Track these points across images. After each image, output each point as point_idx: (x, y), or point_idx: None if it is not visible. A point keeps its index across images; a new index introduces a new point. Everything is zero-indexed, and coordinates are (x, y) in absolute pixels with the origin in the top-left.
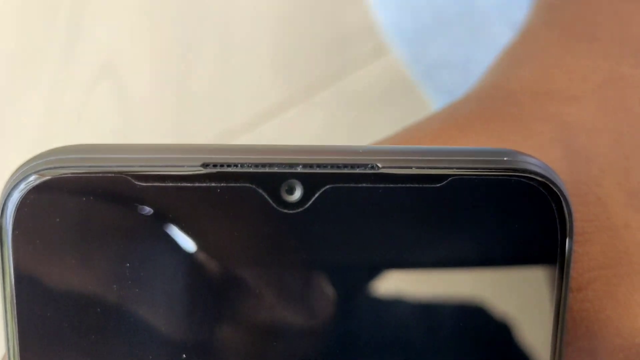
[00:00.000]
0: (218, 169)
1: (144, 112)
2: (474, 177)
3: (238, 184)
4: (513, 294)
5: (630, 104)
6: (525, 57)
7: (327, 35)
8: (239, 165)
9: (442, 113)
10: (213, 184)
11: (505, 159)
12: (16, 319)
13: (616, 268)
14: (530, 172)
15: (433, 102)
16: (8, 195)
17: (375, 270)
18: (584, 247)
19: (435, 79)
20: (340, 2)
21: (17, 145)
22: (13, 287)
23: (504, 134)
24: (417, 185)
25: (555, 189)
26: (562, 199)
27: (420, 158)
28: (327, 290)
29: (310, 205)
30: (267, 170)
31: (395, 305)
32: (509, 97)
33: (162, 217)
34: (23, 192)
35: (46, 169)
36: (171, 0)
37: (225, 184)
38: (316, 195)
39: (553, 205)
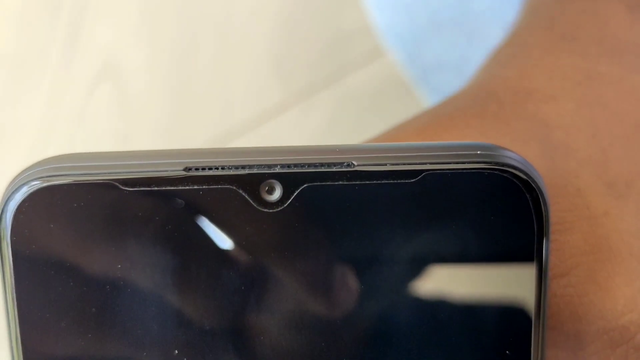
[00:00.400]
0: (200, 172)
1: (143, 113)
2: (448, 171)
3: (219, 186)
4: (492, 284)
5: (606, 101)
6: (508, 58)
7: (325, 37)
8: (220, 167)
9: (427, 112)
10: (195, 187)
11: (478, 152)
12: (17, 321)
13: (597, 254)
14: (504, 164)
15: (428, 103)
16: (5, 203)
17: (354, 265)
18: (565, 235)
19: (431, 80)
20: (337, 4)
21: (18, 147)
22: (13, 288)
23: (484, 130)
24: (392, 182)
25: (529, 179)
26: (536, 188)
27: (395, 155)
28: (310, 285)
29: (289, 204)
30: (246, 171)
31: (375, 300)
32: (491, 96)
33: (148, 220)
34: (18, 200)
35: (39, 177)
36: (171, 2)
37: (207, 186)
38: (295, 194)
39: (528, 195)
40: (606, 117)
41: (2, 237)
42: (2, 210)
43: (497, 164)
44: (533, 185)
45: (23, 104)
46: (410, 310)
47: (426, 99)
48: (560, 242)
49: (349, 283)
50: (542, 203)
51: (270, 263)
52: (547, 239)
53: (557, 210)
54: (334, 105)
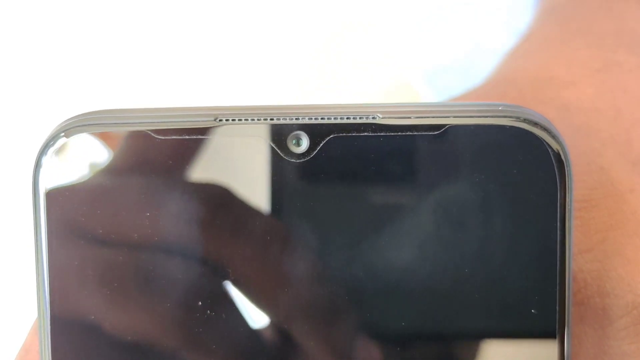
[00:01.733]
0: (230, 123)
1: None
2: (471, 124)
3: (248, 136)
4: (514, 237)
5: (627, 86)
6: (527, 53)
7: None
8: (249, 119)
9: (447, 103)
10: (225, 136)
11: (500, 108)
12: (48, 269)
13: (624, 229)
14: (525, 119)
15: None
16: (42, 152)
17: (376, 214)
18: (590, 212)
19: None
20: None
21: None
22: (45, 237)
23: None
24: (415, 134)
25: (551, 134)
26: (558, 143)
27: (418, 109)
28: (332, 235)
29: (315, 154)
30: (274, 122)
31: (401, 248)
32: (511, 83)
33: (180, 168)
34: (56, 149)
35: (76, 126)
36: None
37: (236, 136)
38: (321, 144)
39: (550, 150)
40: (627, 101)
41: (37, 184)
42: (39, 158)
43: (518, 118)
44: (555, 139)
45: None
46: (432, 260)
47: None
48: (586, 219)
49: (372, 232)
50: (563, 158)
51: (296, 213)
52: (570, 194)
53: (581, 188)
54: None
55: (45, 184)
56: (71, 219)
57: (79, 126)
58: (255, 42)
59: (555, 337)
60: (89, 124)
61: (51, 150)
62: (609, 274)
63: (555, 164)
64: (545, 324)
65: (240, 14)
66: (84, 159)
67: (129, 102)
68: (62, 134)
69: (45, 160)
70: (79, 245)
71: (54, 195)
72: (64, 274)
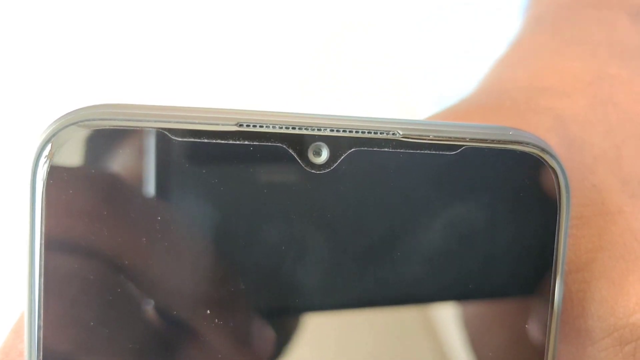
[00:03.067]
0: (251, 128)
1: None
2: (484, 147)
3: (269, 143)
4: (515, 252)
5: (619, 99)
6: (517, 62)
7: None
8: (271, 126)
9: (443, 111)
10: (246, 142)
11: (510, 132)
12: (43, 263)
13: (611, 251)
14: (533, 145)
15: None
16: (45, 144)
17: (393, 228)
18: (582, 230)
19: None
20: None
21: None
22: (41, 234)
23: (501, 123)
24: (433, 152)
25: (555, 162)
26: (561, 171)
27: (437, 129)
28: (349, 246)
29: (335, 167)
30: (296, 131)
31: (413, 260)
32: (504, 93)
33: (195, 172)
34: (62, 142)
35: (86, 120)
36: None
37: (257, 143)
38: (341, 157)
39: (553, 176)
40: (618, 115)
41: (35, 178)
42: (42, 148)
43: (527, 144)
44: (559, 169)
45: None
46: (438, 273)
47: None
48: (577, 237)
49: (387, 247)
50: (564, 184)
51: (313, 223)
52: (567, 218)
53: (574, 204)
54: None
55: (45, 179)
56: (72, 216)
57: (89, 120)
58: (255, 42)
59: (544, 349)
60: (100, 119)
61: (54, 144)
62: (593, 296)
63: (557, 189)
64: (537, 333)
65: (241, 14)
66: (89, 154)
67: (129, 99)
68: (68, 126)
69: (47, 152)
70: (77, 245)
71: (53, 192)
72: (58, 276)
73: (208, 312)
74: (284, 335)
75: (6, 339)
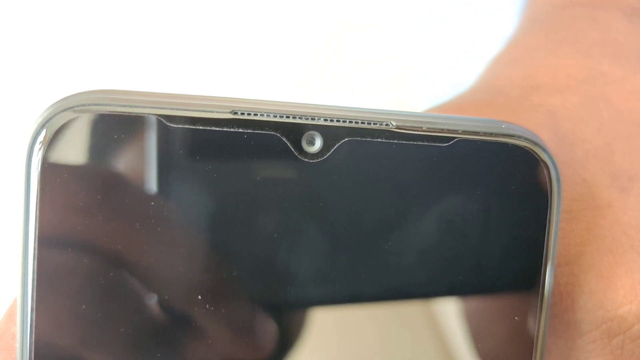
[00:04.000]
0: (245, 117)
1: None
2: (477, 139)
3: (263, 132)
4: (508, 241)
5: (610, 97)
6: (512, 60)
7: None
8: (265, 114)
9: (436, 108)
10: (240, 130)
11: (503, 126)
12: (36, 249)
13: (600, 244)
14: (526, 138)
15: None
16: (40, 129)
17: (385, 218)
18: (571, 224)
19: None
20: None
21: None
22: (37, 223)
23: (493, 118)
24: (426, 144)
25: (548, 156)
26: (553, 166)
27: (431, 120)
28: (341, 236)
29: (329, 156)
30: (290, 120)
31: (404, 250)
32: (497, 90)
33: (189, 158)
34: (56, 127)
35: (81, 105)
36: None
37: (251, 131)
38: (335, 147)
39: (545, 171)
40: (610, 113)
41: (31, 163)
42: (37, 133)
43: (519, 137)
44: (550, 162)
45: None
46: (438, 259)
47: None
48: (566, 230)
49: (378, 237)
50: (555, 177)
51: (304, 211)
52: (558, 212)
53: (564, 198)
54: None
55: (40, 163)
56: (66, 201)
57: (85, 105)
58: (255, 42)
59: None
60: (95, 104)
61: (49, 129)
62: (582, 289)
63: (548, 182)
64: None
65: (241, 14)
66: (84, 139)
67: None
68: (64, 111)
69: (41, 138)
70: (72, 231)
71: (48, 177)
72: (52, 262)
73: (200, 297)
74: (278, 327)
75: (0, 322)
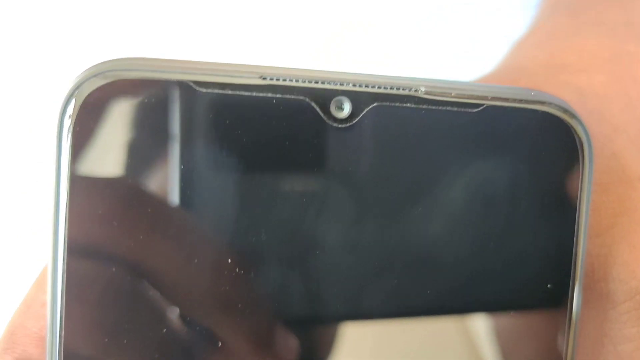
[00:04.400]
0: (274, 82)
1: None
2: (507, 106)
3: (292, 96)
4: (539, 206)
5: (637, 76)
6: (536, 43)
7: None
8: (294, 79)
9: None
10: (269, 95)
11: (532, 93)
12: (67, 214)
13: (632, 216)
14: (556, 105)
15: None
16: (71, 94)
17: (413, 184)
18: (602, 196)
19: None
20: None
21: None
22: (68, 181)
23: None
24: (455, 110)
25: (579, 122)
26: (584, 131)
27: (460, 86)
28: (370, 200)
29: (357, 121)
30: (319, 85)
31: (434, 217)
32: (522, 70)
33: (219, 123)
34: (87, 92)
35: (112, 70)
36: None
37: (280, 96)
38: (363, 112)
39: (576, 137)
40: (637, 90)
41: (62, 127)
42: (68, 99)
43: (549, 104)
44: (582, 129)
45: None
46: (461, 229)
47: None
48: (597, 203)
49: (407, 202)
50: (587, 144)
51: (333, 176)
52: (590, 179)
53: (594, 171)
54: None
55: (71, 129)
56: (97, 166)
57: (116, 70)
58: (255, 41)
59: (565, 313)
60: (126, 70)
61: (78, 97)
62: (615, 260)
63: (579, 149)
64: (559, 299)
65: (242, 14)
66: (117, 104)
67: None
68: (93, 77)
69: (72, 105)
70: (103, 193)
71: (79, 140)
72: (84, 224)
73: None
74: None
75: (28, 291)
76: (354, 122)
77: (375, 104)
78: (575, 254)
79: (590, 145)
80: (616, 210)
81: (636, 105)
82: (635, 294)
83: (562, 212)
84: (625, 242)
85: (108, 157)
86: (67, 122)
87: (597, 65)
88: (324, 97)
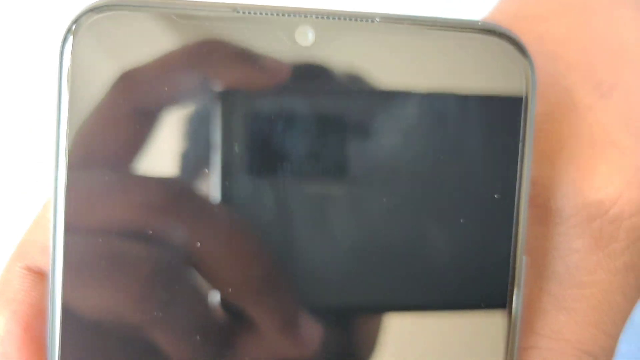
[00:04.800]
0: (246, 14)
1: None
2: (455, 34)
3: (261, 26)
4: (483, 123)
5: (595, 24)
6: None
7: None
8: (263, 12)
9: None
10: (241, 25)
11: (479, 23)
12: (67, 159)
13: (579, 140)
14: (500, 33)
15: None
16: (68, 31)
17: (369, 101)
18: (552, 124)
19: None
20: None
21: None
22: (67, 114)
23: None
24: (407, 37)
25: (523, 48)
26: (528, 56)
27: (413, 18)
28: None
29: (319, 47)
30: (285, 17)
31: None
32: (492, 21)
33: (198, 49)
34: (82, 27)
35: (104, 5)
36: None
37: (251, 26)
38: (325, 39)
39: (523, 60)
40: (594, 37)
41: (62, 63)
42: (65, 37)
43: (494, 32)
44: (524, 54)
45: None
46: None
47: None
48: (547, 131)
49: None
50: (531, 70)
51: (298, 97)
52: (533, 100)
53: (545, 103)
54: None
55: (70, 63)
56: (95, 94)
57: (107, 5)
58: None
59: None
60: (117, 4)
61: (78, 28)
62: (562, 179)
63: (524, 76)
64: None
65: None
66: (111, 38)
67: None
68: (88, 12)
69: (72, 39)
70: (102, 122)
71: (78, 73)
72: (83, 165)
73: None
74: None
75: (26, 232)
76: (316, 48)
77: (334, 32)
78: (520, 181)
79: (534, 70)
80: (565, 136)
81: (591, 49)
82: (580, 209)
83: (507, 141)
84: (572, 163)
85: (106, 85)
86: (66, 55)
87: (558, 14)
88: (289, 25)
